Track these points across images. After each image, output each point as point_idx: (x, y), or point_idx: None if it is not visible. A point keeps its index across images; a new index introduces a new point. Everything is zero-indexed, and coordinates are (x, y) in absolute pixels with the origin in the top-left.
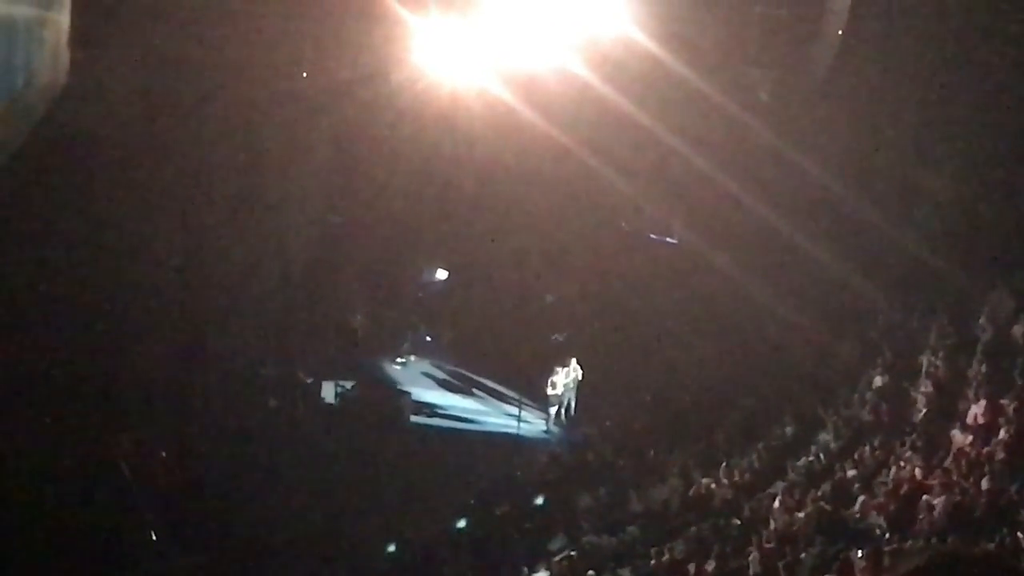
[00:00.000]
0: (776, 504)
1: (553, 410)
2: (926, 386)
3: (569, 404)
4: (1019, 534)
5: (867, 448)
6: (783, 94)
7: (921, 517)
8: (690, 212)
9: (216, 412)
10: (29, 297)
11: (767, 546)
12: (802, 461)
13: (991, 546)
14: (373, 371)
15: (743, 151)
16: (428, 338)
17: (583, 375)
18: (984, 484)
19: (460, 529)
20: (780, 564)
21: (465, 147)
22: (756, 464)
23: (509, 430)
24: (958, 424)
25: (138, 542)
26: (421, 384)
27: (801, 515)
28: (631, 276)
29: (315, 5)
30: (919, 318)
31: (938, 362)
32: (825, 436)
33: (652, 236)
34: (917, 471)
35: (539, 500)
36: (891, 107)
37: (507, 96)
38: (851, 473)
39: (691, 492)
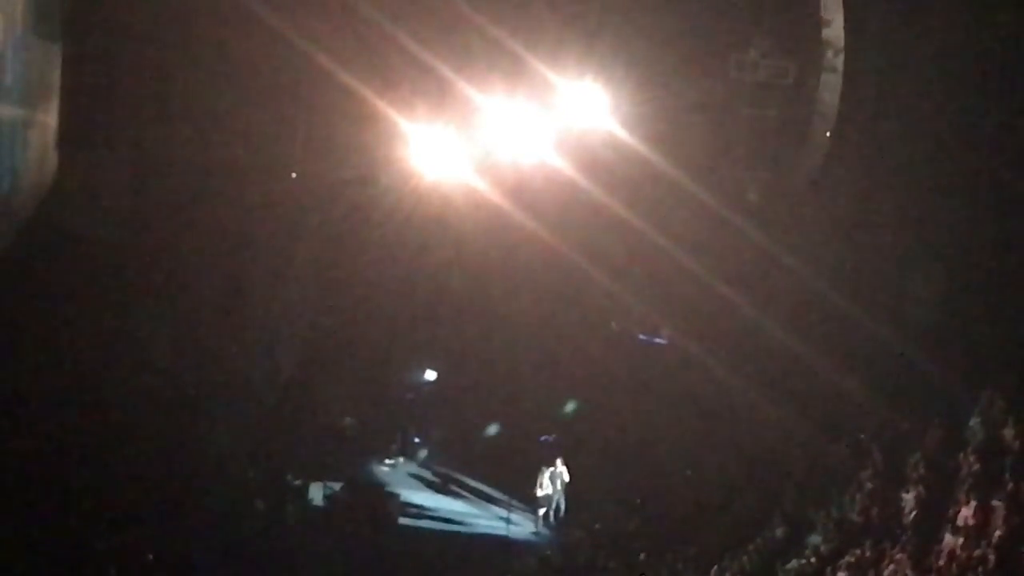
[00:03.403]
0: None
1: (542, 512)
2: (916, 488)
3: (559, 506)
4: None
5: (858, 550)
6: (772, 195)
7: None
8: (679, 313)
9: (203, 514)
10: (12, 399)
11: None
12: (793, 564)
13: None
14: (361, 473)
15: (732, 252)
16: (416, 439)
17: (570, 476)
18: None
19: None
20: None
21: (454, 248)
22: (747, 566)
23: (498, 532)
24: (949, 526)
25: None
26: (409, 485)
27: None
28: (620, 376)
29: (305, 107)
30: (909, 419)
31: (928, 463)
32: (816, 538)
33: (641, 336)
34: (908, 573)
35: None
36: (879, 208)
37: (497, 197)
38: (842, 575)
39: None
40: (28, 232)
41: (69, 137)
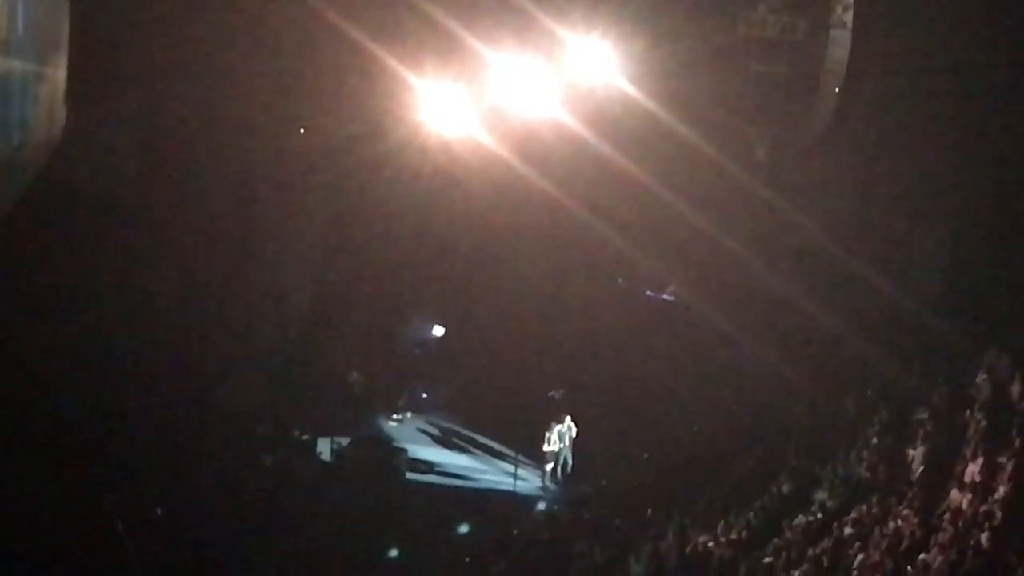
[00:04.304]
0: (773, 562)
1: (549, 467)
2: (923, 444)
3: (566, 461)
4: None
5: (864, 506)
6: (780, 151)
7: (918, 575)
8: (687, 269)
9: (212, 470)
10: (23, 353)
11: None
12: (799, 519)
13: None
14: (369, 428)
15: (740, 208)
16: (424, 395)
17: (577, 432)
18: (982, 543)
19: None
20: None
21: (462, 204)
22: (753, 522)
23: (505, 487)
24: (955, 483)
25: None
26: (417, 441)
27: (798, 573)
28: (628, 333)
29: (313, 63)
30: (916, 376)
31: (935, 420)
32: (822, 494)
33: (649, 293)
34: (914, 529)
35: (535, 558)
36: (888, 165)
37: (504, 153)
38: (848, 531)
39: (688, 550)
40: (36, 187)
41: (77, 92)
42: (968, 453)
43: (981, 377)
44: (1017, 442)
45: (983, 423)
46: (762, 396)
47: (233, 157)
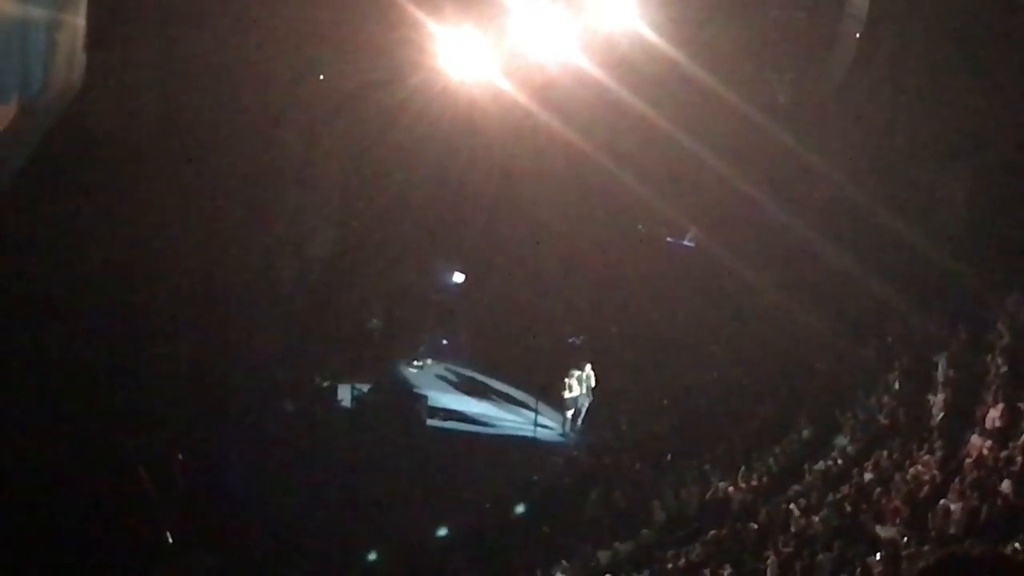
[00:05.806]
0: (793, 508)
1: (570, 413)
2: (943, 390)
3: (586, 407)
4: None
5: (884, 452)
6: (801, 97)
7: (938, 521)
8: (707, 215)
9: (233, 414)
10: (47, 298)
11: (784, 550)
12: (820, 465)
13: (1007, 551)
14: (389, 374)
15: (760, 154)
16: (444, 341)
17: (597, 379)
18: (1001, 488)
19: (476, 532)
20: (797, 568)
21: (482, 150)
22: (774, 468)
23: (525, 433)
24: (975, 428)
25: (154, 543)
26: (437, 387)
27: (818, 519)
28: (648, 279)
29: (333, 9)
30: (936, 322)
31: (955, 366)
32: (842, 440)
33: (669, 239)
34: (934, 475)
35: (555, 504)
36: (909, 110)
37: (524, 99)
38: (868, 477)
39: (708, 496)
40: (56, 132)
41: (97, 39)
42: (988, 399)
43: (1001, 323)
44: None
45: (1004, 369)
46: (782, 342)
47: (253, 103)
